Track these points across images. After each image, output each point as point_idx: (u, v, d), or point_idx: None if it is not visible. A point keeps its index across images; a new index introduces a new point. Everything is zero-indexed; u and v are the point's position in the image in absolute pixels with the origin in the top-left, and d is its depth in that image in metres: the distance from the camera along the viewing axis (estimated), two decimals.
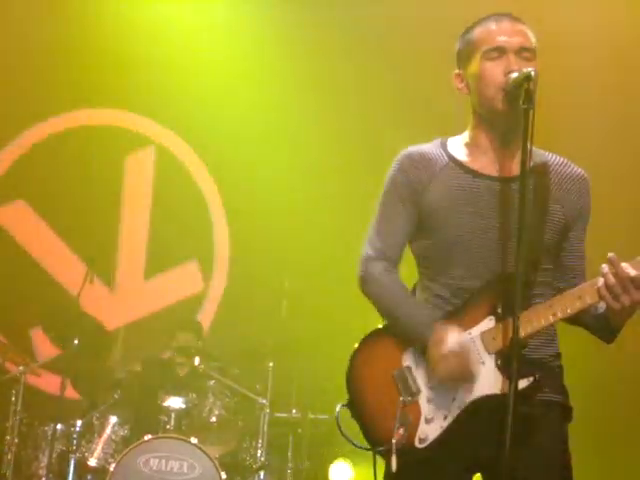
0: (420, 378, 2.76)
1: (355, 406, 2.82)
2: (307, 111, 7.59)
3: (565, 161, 2.93)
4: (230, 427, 6.13)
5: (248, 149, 7.73)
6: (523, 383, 2.64)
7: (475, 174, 2.83)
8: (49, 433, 5.80)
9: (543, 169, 2.85)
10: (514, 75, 2.70)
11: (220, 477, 5.55)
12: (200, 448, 5.63)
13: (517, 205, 2.64)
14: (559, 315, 2.68)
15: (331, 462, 6.87)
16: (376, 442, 2.76)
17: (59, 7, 7.70)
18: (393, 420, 2.71)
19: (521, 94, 2.63)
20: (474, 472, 2.83)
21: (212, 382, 6.20)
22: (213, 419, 6.06)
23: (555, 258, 2.87)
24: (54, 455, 5.76)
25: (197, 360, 6.33)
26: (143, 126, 7.97)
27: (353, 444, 2.79)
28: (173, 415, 6.00)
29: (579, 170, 2.92)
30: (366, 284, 2.92)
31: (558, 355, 2.87)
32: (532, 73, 2.64)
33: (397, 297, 2.87)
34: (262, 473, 6.15)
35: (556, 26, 6.59)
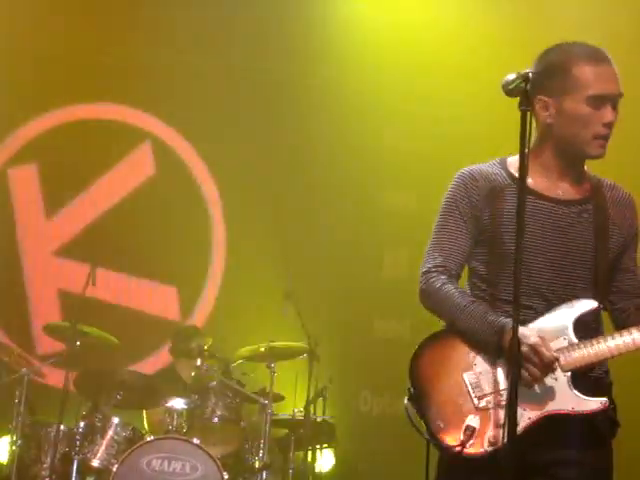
0: (491, 384, 2.80)
1: (421, 403, 2.84)
2: (309, 109, 7.64)
3: (614, 184, 3.04)
4: (232, 428, 6.15)
5: (248, 149, 7.76)
6: (595, 404, 2.77)
7: (537, 195, 2.91)
8: (52, 434, 5.81)
9: (600, 192, 2.96)
10: (512, 77, 2.70)
11: (222, 477, 5.57)
12: (202, 448, 5.66)
13: (579, 228, 2.83)
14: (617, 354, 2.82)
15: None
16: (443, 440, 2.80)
17: (61, 6, 7.73)
18: (462, 421, 2.77)
19: (518, 95, 2.65)
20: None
21: (214, 383, 6.22)
22: (215, 420, 6.08)
23: (610, 280, 2.96)
24: (57, 456, 5.76)
25: (199, 361, 6.36)
26: (142, 121, 7.98)
27: (425, 437, 2.81)
28: (175, 416, 6.03)
29: (627, 192, 3.04)
30: (427, 298, 2.96)
31: (608, 372, 2.96)
32: (530, 75, 2.67)
33: (460, 305, 2.87)
34: (264, 473, 6.16)
35: (559, 24, 6.63)
